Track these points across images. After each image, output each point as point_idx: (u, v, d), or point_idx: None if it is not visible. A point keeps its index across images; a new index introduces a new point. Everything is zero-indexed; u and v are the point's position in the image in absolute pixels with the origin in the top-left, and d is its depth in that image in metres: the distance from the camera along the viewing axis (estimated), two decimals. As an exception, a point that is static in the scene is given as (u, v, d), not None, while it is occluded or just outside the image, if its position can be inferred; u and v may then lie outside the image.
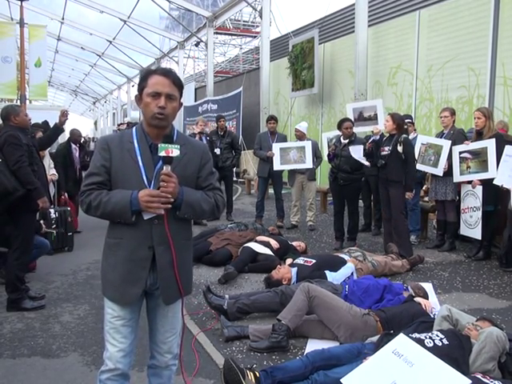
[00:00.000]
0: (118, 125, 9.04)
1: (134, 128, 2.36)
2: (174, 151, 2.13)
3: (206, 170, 2.38)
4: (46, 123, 8.53)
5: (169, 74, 2.25)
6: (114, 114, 41.94)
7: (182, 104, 2.37)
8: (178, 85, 2.29)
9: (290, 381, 3.16)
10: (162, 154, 2.12)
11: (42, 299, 4.82)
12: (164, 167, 2.13)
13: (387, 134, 6.40)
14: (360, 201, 7.55)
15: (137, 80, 29.19)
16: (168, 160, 2.13)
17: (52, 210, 6.86)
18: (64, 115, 6.08)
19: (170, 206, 2.16)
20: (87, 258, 6.52)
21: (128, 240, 2.27)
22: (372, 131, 7.35)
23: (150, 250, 2.26)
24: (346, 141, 6.96)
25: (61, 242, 6.92)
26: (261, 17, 14.51)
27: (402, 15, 10.52)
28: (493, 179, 5.87)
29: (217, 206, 2.38)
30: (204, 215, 2.40)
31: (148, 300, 2.44)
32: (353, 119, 8.34)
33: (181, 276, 2.31)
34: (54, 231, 6.79)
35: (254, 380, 3.06)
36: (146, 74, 2.29)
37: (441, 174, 6.54)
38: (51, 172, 7.25)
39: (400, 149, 6.08)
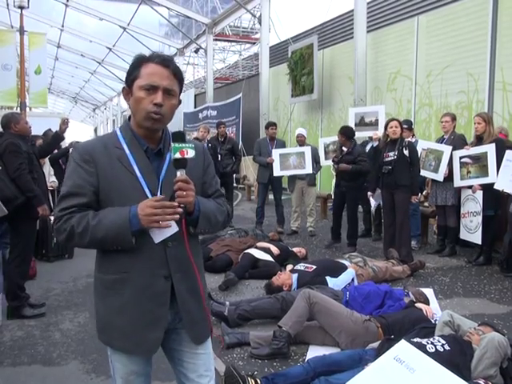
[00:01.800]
0: None
1: (118, 130, 1.90)
2: (190, 151, 1.76)
3: (209, 173, 2.01)
4: (49, 129, 8.54)
5: (168, 62, 1.80)
6: (113, 120, 41.97)
7: (180, 101, 1.93)
8: (179, 77, 1.85)
9: None
10: (177, 155, 1.73)
11: (42, 307, 4.81)
12: (178, 172, 1.74)
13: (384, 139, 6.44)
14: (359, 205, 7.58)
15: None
16: (183, 163, 1.75)
17: (52, 218, 6.85)
18: (65, 123, 6.09)
19: (178, 216, 1.72)
20: (87, 265, 6.48)
21: (137, 273, 1.79)
22: (371, 137, 7.40)
23: (167, 280, 1.82)
24: (345, 149, 7.03)
25: (61, 250, 6.92)
26: (260, 23, 14.55)
27: (401, 21, 10.55)
28: (493, 184, 5.88)
29: (228, 215, 2.02)
30: (218, 228, 2.02)
31: (167, 340, 1.92)
32: (354, 123, 8.38)
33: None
34: (54, 238, 6.79)
35: None
36: (138, 61, 1.82)
37: (441, 180, 6.54)
38: (51, 179, 7.26)
39: (407, 152, 6.15)
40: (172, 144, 1.75)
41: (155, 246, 1.79)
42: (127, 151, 1.82)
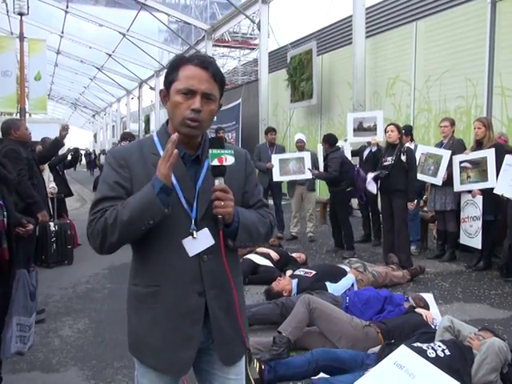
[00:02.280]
0: (119, 141, 8.99)
1: (155, 134, 1.80)
2: (229, 158, 1.64)
3: (251, 182, 1.87)
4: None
5: (208, 65, 1.68)
6: (113, 126, 42.06)
7: (221, 105, 1.80)
8: (220, 80, 1.72)
9: (293, 376, 3.18)
10: (215, 162, 1.62)
11: (42, 313, 4.79)
12: (216, 181, 1.62)
13: (383, 145, 6.46)
14: (358, 211, 7.61)
15: (136, 93, 29.41)
16: (222, 171, 1.63)
17: (51, 224, 6.85)
18: (65, 129, 6.11)
19: (177, 151, 1.57)
20: (87, 271, 6.50)
21: (169, 287, 1.69)
22: (369, 142, 7.42)
23: (200, 296, 1.70)
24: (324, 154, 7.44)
25: (60, 256, 6.91)
26: (259, 29, 14.60)
27: (399, 26, 10.58)
28: (493, 189, 5.88)
29: (271, 227, 1.86)
30: (260, 240, 1.86)
31: (199, 360, 1.81)
32: (353, 129, 8.40)
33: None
34: (54, 244, 6.78)
35: (258, 370, 3.08)
36: (176, 63, 1.71)
37: (440, 184, 6.55)
38: (51, 185, 7.26)
39: (404, 158, 6.13)
40: (210, 150, 1.63)
41: (189, 259, 1.68)
42: None
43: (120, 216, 1.59)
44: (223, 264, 1.66)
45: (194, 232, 1.68)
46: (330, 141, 7.44)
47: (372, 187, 6.76)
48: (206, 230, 1.69)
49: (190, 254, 1.68)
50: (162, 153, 1.67)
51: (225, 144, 1.69)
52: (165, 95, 1.74)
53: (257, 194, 1.88)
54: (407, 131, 7.33)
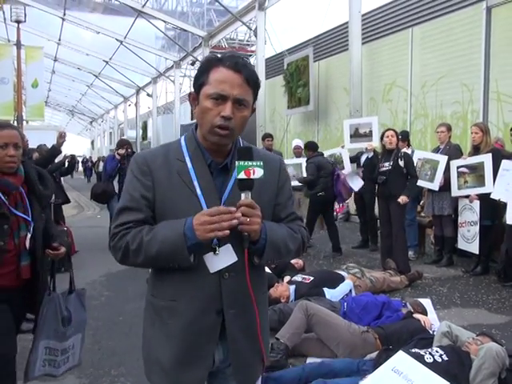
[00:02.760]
0: (116, 149, 8.92)
1: (183, 139, 1.68)
2: (257, 171, 1.50)
3: (284, 193, 1.72)
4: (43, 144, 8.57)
5: (242, 67, 1.55)
6: (110, 133, 42.09)
7: (254, 110, 1.67)
8: (253, 84, 1.59)
9: None
10: (242, 176, 1.49)
11: (39, 321, 4.78)
12: (242, 195, 1.49)
13: (379, 150, 6.49)
14: (355, 216, 7.66)
15: (133, 99, 29.43)
16: (249, 184, 1.50)
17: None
18: (62, 137, 6.12)
19: (236, 222, 1.47)
20: (84, 279, 6.46)
21: (186, 303, 1.59)
22: (366, 148, 7.44)
23: (218, 315, 1.60)
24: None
25: (57, 263, 6.86)
26: (256, 36, 14.65)
27: (395, 32, 10.64)
28: (490, 194, 5.90)
29: (303, 243, 1.73)
30: (289, 257, 1.75)
31: (212, 382, 1.73)
32: (349, 135, 8.44)
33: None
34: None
35: None
36: (208, 64, 1.59)
37: (436, 189, 6.56)
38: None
39: (402, 163, 6.15)
40: (236, 162, 1.50)
41: (209, 275, 1.57)
42: (189, 165, 1.60)
43: (145, 247, 1.52)
44: (246, 283, 1.53)
45: (217, 247, 1.56)
46: (309, 147, 7.82)
47: (355, 184, 6.96)
48: (228, 246, 1.58)
49: (211, 271, 1.57)
50: (187, 159, 1.61)
51: (255, 153, 1.55)
52: (194, 98, 1.63)
53: (289, 207, 1.74)
54: (404, 137, 7.36)
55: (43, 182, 2.72)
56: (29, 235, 2.58)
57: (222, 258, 1.57)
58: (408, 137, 7.70)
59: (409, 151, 7.14)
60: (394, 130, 6.44)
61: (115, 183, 8.48)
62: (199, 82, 1.59)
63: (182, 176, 1.59)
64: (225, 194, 1.59)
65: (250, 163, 1.50)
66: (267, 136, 8.98)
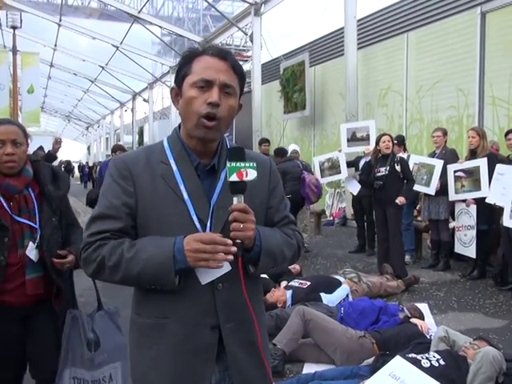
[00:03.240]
0: (112, 154, 8.86)
1: (166, 141, 1.55)
2: (250, 173, 1.38)
3: (276, 196, 1.61)
4: (41, 148, 8.55)
5: (226, 55, 1.47)
6: (107, 138, 42.04)
7: (241, 106, 1.56)
8: (239, 72, 1.50)
9: None
10: (234, 178, 1.36)
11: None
12: (235, 199, 1.37)
13: (368, 157, 6.49)
14: (353, 221, 7.66)
15: (130, 105, 29.44)
16: (241, 187, 1.38)
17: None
18: (58, 143, 6.12)
19: (231, 257, 1.35)
20: (80, 285, 6.39)
21: (177, 320, 1.45)
22: (363, 152, 7.45)
23: (213, 331, 1.46)
24: None
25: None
26: (252, 41, 14.69)
27: (391, 38, 10.70)
28: (486, 198, 5.91)
29: (298, 249, 1.61)
30: (285, 265, 1.62)
31: None
32: (346, 139, 8.46)
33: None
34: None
35: None
36: (190, 55, 1.48)
37: (433, 193, 6.57)
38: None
39: (398, 168, 6.15)
40: (227, 163, 1.38)
41: (201, 288, 1.43)
42: (174, 167, 1.48)
43: (125, 265, 1.38)
44: (242, 293, 1.41)
45: None
46: (279, 153, 8.13)
47: (353, 188, 6.96)
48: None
49: (203, 282, 1.43)
50: (172, 162, 1.49)
51: (247, 154, 1.43)
52: (176, 94, 1.51)
53: (282, 210, 1.62)
54: (400, 141, 7.38)
55: (56, 182, 2.37)
56: (31, 244, 2.22)
57: (214, 268, 1.41)
58: (404, 141, 7.72)
59: (404, 156, 7.16)
60: (389, 135, 6.45)
61: None
62: (181, 73, 1.48)
63: (166, 180, 1.46)
64: (213, 197, 1.47)
65: (242, 164, 1.37)
66: (264, 141, 8.99)
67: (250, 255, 1.43)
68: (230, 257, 1.34)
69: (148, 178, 1.46)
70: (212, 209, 1.46)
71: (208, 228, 1.45)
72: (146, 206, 1.45)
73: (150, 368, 1.48)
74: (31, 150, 8.64)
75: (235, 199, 1.37)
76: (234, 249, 1.35)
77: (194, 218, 1.45)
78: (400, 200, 6.08)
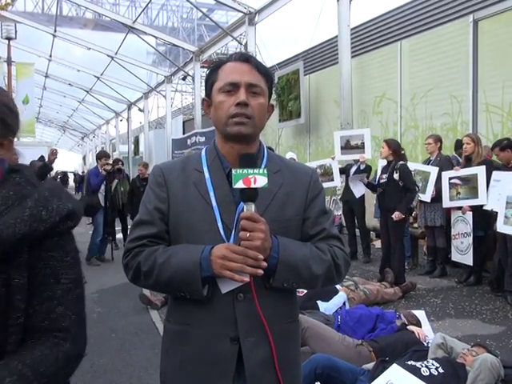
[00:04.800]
0: (101, 162, 8.83)
1: (204, 150, 1.57)
2: (259, 179, 1.33)
3: (315, 207, 1.53)
4: (41, 158, 8.56)
5: (249, 58, 1.49)
6: (102, 148, 42.01)
7: (273, 106, 1.56)
8: (265, 73, 1.50)
9: None
10: (239, 185, 1.32)
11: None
12: (244, 207, 1.34)
13: (384, 161, 6.41)
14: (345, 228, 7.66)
15: (125, 115, 29.45)
16: (249, 195, 1.33)
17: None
18: (53, 154, 6.13)
19: (261, 271, 1.32)
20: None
21: (198, 327, 1.44)
22: (356, 160, 7.47)
23: (233, 343, 1.42)
24: None
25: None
26: (246, 50, 14.76)
27: (384, 46, 10.75)
28: (482, 206, 5.92)
29: (336, 265, 1.49)
30: (316, 282, 1.49)
31: None
32: (340, 147, 8.48)
33: (284, 381, 1.45)
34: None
35: None
36: (215, 65, 1.53)
37: (429, 200, 6.59)
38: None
39: (396, 176, 6.04)
40: (233, 170, 1.34)
41: (222, 297, 1.41)
42: (206, 175, 1.48)
43: (157, 271, 1.39)
44: (264, 306, 1.39)
45: None
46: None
47: (357, 190, 6.88)
48: None
49: (223, 291, 1.40)
50: (205, 169, 1.49)
51: (280, 162, 1.45)
52: (208, 104, 1.53)
53: (322, 222, 1.53)
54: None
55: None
56: None
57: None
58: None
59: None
60: (386, 141, 6.40)
61: (100, 196, 8.49)
62: (209, 82, 1.52)
63: (198, 187, 1.47)
64: (240, 205, 1.42)
65: (249, 171, 1.33)
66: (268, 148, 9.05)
67: (267, 267, 1.37)
68: (260, 271, 1.32)
69: (181, 185, 1.48)
70: (237, 216, 1.42)
71: (232, 236, 1.42)
72: (177, 213, 1.46)
73: (174, 373, 1.48)
74: (26, 160, 8.64)
75: (245, 207, 1.34)
76: (265, 264, 1.32)
77: (220, 225, 1.43)
78: (396, 215, 5.96)
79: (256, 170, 1.34)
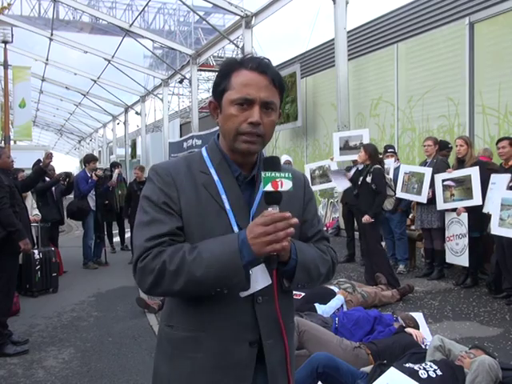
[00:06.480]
0: (86, 163, 8.88)
1: (205, 150, 1.54)
2: (285, 183, 1.34)
3: (311, 210, 1.60)
4: (38, 162, 8.54)
5: (266, 68, 1.42)
6: (99, 152, 41.94)
7: (280, 114, 1.53)
8: (279, 85, 1.46)
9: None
10: (269, 188, 1.32)
11: (26, 344, 4.68)
12: (270, 209, 1.33)
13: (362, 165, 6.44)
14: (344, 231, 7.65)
15: (122, 118, 29.45)
16: (276, 197, 1.33)
17: (36, 251, 6.73)
18: (48, 157, 6.10)
19: (292, 230, 1.30)
20: (72, 299, 6.38)
21: (214, 333, 1.39)
22: (354, 161, 7.47)
23: (252, 347, 1.41)
24: None
25: (45, 284, 6.77)
26: (243, 53, 14.77)
27: (381, 48, 10.78)
28: (477, 206, 5.92)
29: (333, 265, 1.58)
30: (319, 282, 1.55)
31: None
32: (339, 148, 8.48)
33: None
34: (38, 272, 6.66)
35: None
36: (228, 68, 1.45)
37: (425, 201, 6.58)
38: (34, 213, 7.17)
39: (369, 179, 6.06)
40: (262, 173, 1.33)
41: (240, 300, 1.39)
42: (215, 177, 1.46)
43: (188, 267, 1.31)
44: (276, 308, 1.40)
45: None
46: None
47: (339, 183, 6.86)
48: (262, 267, 1.39)
49: (242, 295, 1.38)
50: (213, 172, 1.46)
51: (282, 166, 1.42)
52: (215, 107, 1.49)
53: (316, 225, 1.60)
54: (394, 151, 7.42)
55: None
56: None
57: (256, 280, 1.38)
58: (395, 151, 7.76)
59: (396, 165, 7.21)
60: (364, 146, 6.44)
61: (89, 199, 8.49)
62: (220, 88, 1.45)
63: (208, 189, 1.43)
64: (253, 208, 1.45)
65: (277, 174, 1.33)
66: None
67: (285, 268, 1.39)
68: (291, 230, 1.28)
69: (190, 186, 1.44)
70: (252, 219, 1.42)
71: None
72: (189, 213, 1.41)
73: (182, 383, 1.42)
74: (24, 164, 8.62)
75: (270, 209, 1.33)
76: (295, 220, 1.30)
77: (236, 228, 1.41)
78: (365, 218, 6.00)
79: (283, 174, 1.34)
